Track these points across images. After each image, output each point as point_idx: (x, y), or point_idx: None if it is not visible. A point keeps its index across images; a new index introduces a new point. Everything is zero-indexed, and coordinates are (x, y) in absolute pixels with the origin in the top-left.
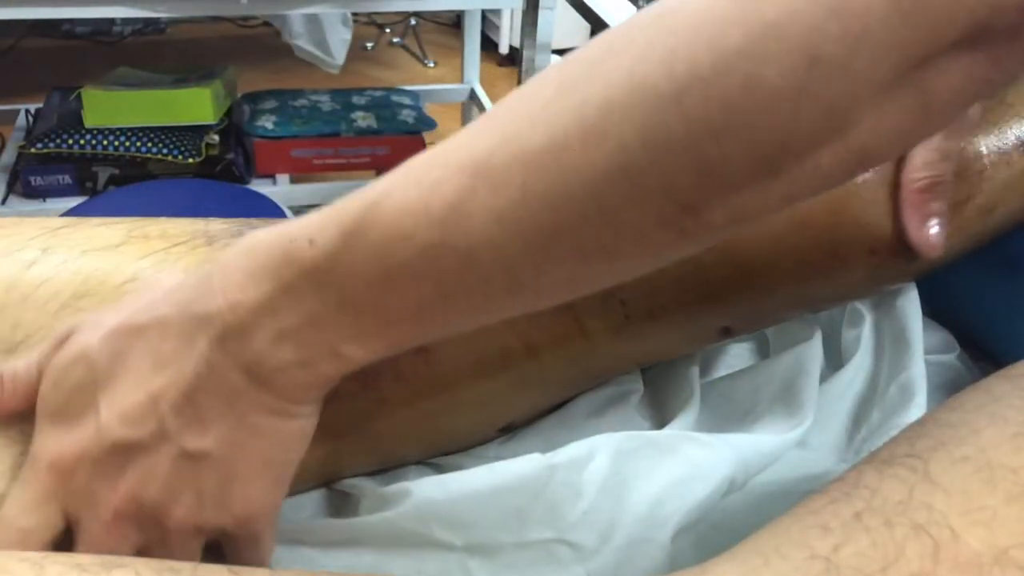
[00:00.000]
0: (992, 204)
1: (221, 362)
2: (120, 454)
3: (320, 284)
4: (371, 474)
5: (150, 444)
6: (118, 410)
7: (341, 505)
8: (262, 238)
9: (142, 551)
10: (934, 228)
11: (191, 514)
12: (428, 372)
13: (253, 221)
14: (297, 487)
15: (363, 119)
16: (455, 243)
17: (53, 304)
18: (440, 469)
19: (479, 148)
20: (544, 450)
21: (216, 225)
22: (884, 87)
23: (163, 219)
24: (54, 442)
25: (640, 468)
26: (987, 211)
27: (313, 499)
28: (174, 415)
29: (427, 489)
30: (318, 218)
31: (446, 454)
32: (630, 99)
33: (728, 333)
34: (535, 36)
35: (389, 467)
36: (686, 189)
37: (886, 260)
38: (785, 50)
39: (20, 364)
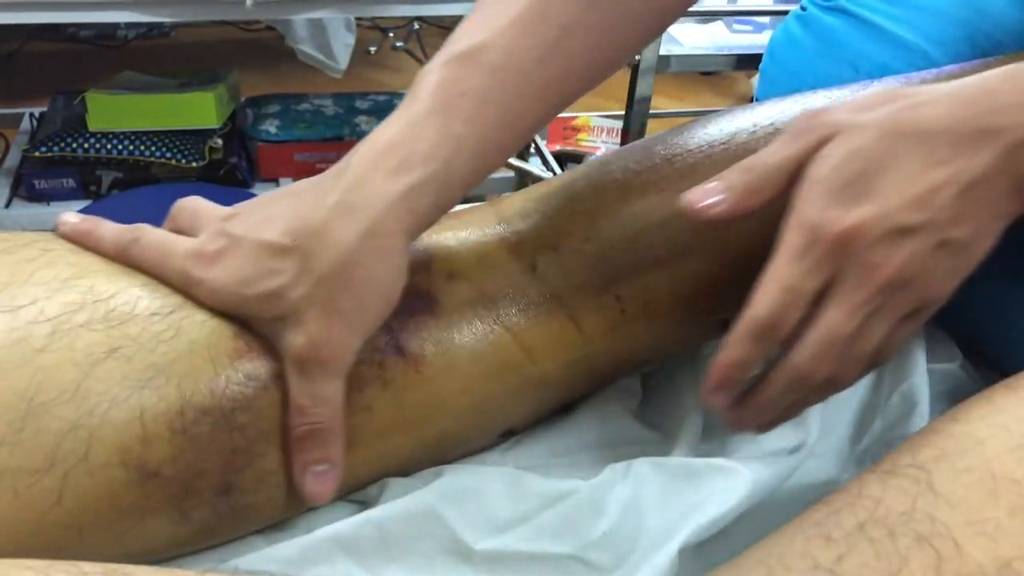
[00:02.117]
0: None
1: (1000, 170)
2: (897, 235)
3: None
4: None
5: (922, 230)
6: (901, 198)
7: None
8: None
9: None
10: (316, 475)
11: (927, 289)
12: (418, 379)
13: None
14: (302, 504)
15: (366, 123)
16: None
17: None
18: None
19: None
20: (548, 458)
21: None
22: None
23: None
24: (836, 216)
25: (661, 494)
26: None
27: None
28: (946, 209)
29: (457, 474)
30: None
31: (448, 462)
32: None
33: (727, 327)
34: None
35: (394, 475)
36: None
37: None
38: None
39: (771, 159)
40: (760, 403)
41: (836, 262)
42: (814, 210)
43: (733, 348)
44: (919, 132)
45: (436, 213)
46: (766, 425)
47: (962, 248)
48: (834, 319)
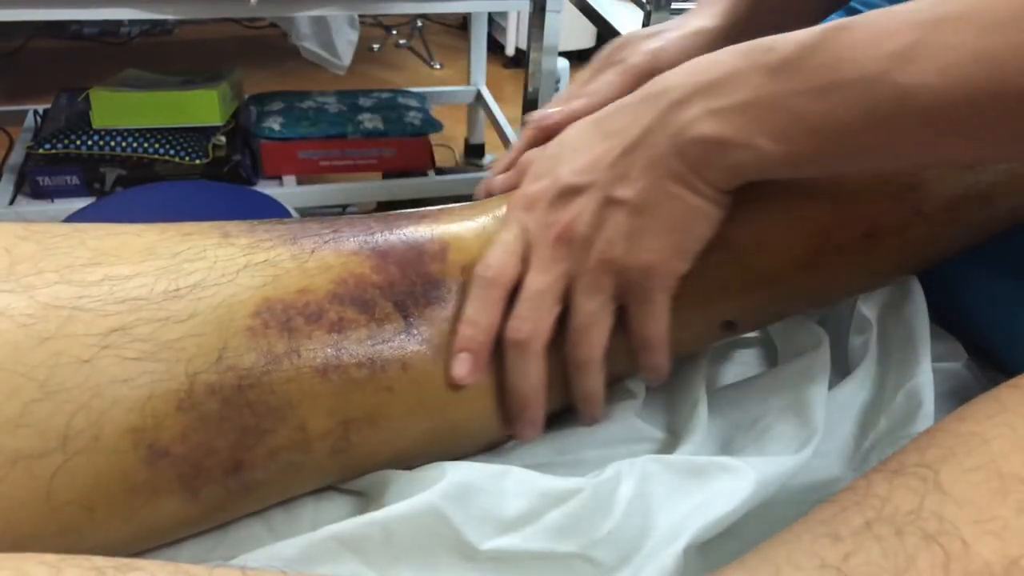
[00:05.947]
0: (990, 194)
1: (657, 129)
2: (565, 195)
3: (766, 79)
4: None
5: (587, 189)
6: (571, 167)
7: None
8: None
9: (568, 283)
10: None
11: (607, 250)
12: (437, 365)
13: (265, 223)
14: (312, 482)
15: (370, 121)
16: (894, 80)
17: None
18: None
19: (934, 11)
20: (552, 456)
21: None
22: None
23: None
24: (525, 189)
25: (666, 492)
26: (986, 200)
27: (335, 503)
28: (609, 170)
29: (462, 473)
30: (779, 35)
31: (457, 456)
32: None
33: (731, 328)
34: (542, 38)
35: (407, 460)
36: None
37: (881, 243)
38: None
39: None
40: (513, 380)
41: (525, 222)
42: (518, 192)
43: (469, 306)
44: (609, 113)
45: None
46: (533, 411)
47: (638, 208)
48: (531, 278)
